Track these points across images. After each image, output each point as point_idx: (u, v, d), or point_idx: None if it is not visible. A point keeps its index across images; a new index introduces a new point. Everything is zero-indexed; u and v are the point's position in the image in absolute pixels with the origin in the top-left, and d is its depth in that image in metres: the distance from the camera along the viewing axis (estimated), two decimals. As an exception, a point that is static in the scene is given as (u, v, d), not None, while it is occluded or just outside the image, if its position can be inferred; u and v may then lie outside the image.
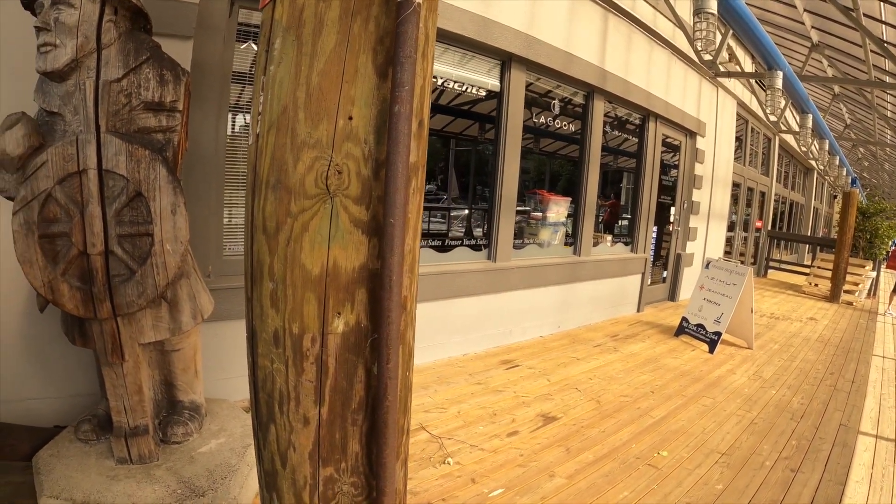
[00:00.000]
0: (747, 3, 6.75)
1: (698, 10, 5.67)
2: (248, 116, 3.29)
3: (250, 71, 3.28)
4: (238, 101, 3.28)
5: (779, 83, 7.79)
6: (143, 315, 2.08)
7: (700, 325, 5.75)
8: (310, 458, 1.21)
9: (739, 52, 9.34)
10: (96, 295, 1.95)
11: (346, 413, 1.20)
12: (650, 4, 6.45)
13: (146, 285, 1.95)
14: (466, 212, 5.51)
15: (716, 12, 5.67)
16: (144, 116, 2.02)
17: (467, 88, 4.68)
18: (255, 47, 3.28)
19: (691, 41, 6.40)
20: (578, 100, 5.90)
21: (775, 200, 14.33)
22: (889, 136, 16.02)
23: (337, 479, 1.23)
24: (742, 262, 8.57)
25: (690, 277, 8.08)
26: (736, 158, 10.15)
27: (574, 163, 6.15)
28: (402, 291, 1.15)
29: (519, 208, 5.29)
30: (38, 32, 1.93)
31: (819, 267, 11.46)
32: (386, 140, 1.12)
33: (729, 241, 11.04)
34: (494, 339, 5.09)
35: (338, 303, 1.15)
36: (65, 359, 2.78)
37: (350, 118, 1.11)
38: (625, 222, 7.41)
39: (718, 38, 6.66)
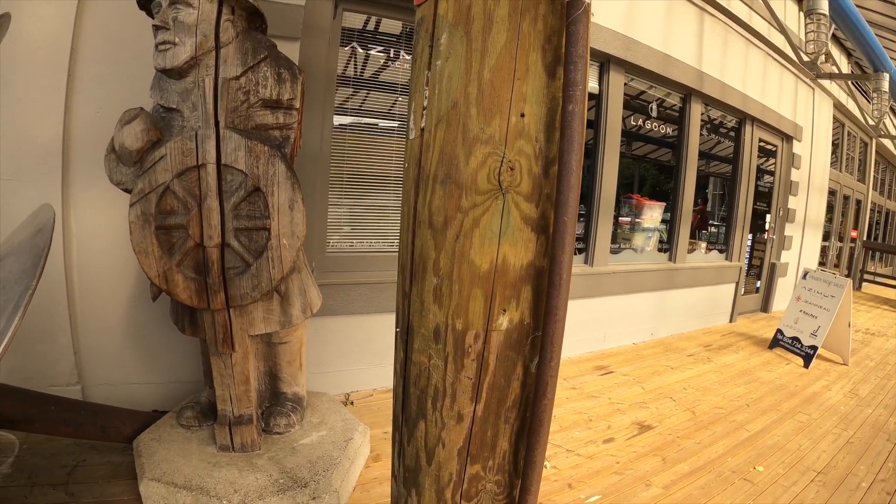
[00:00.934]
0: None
1: (810, 11, 5.45)
2: (347, 119, 3.35)
3: (354, 74, 3.35)
4: (343, 103, 3.33)
5: (885, 86, 7.40)
6: (254, 307, 2.12)
7: (795, 339, 5.55)
8: (458, 456, 1.20)
9: (835, 52, 8.90)
10: (210, 286, 2.00)
11: (500, 410, 1.19)
12: (745, 3, 6.25)
13: (261, 278, 1.99)
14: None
15: (827, 13, 5.45)
16: (262, 114, 2.06)
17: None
18: (359, 50, 3.34)
19: (793, 42, 6.13)
20: (671, 101, 5.77)
21: (871, 209, 13.54)
22: None
23: (482, 476, 1.23)
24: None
25: (784, 288, 7.84)
26: (832, 164, 9.69)
27: (663, 167, 5.99)
28: (569, 289, 1.14)
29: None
30: (157, 31, 1.98)
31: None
32: (555, 138, 1.12)
33: (822, 251, 10.56)
34: (589, 344, 5.04)
35: (504, 300, 1.14)
36: (167, 346, 2.89)
37: (522, 115, 1.10)
38: (713, 229, 7.18)
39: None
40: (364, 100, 3.42)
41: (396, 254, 3.40)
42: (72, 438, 2.46)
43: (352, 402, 3.14)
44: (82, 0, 2.74)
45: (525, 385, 1.20)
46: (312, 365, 2.53)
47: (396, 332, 1.34)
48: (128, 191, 2.03)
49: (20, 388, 2.22)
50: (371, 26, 3.39)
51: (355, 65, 3.37)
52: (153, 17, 2.01)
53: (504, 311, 1.15)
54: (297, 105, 2.09)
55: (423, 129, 1.19)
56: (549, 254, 1.16)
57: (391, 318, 3.20)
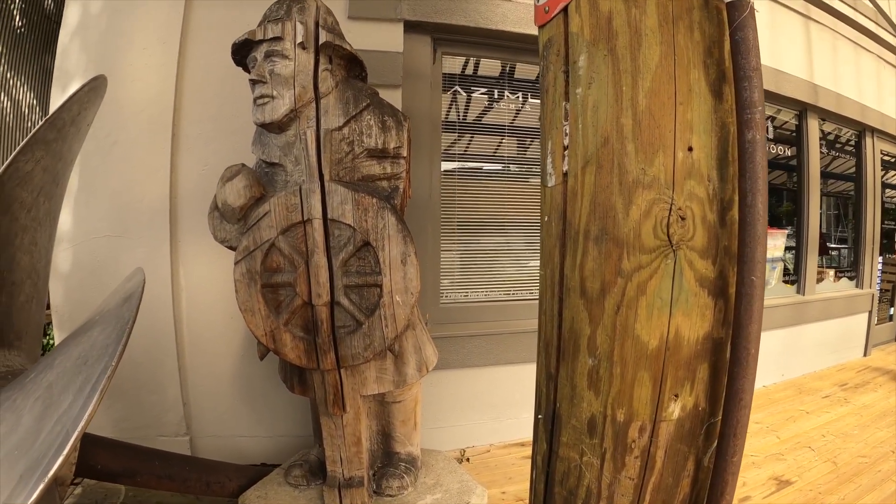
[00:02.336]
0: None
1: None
2: (453, 164, 3.30)
3: (457, 118, 3.30)
4: (448, 148, 3.29)
5: None
6: (367, 367, 2.03)
7: (940, 371, 4.94)
8: (615, 563, 1.03)
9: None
10: (320, 346, 1.92)
11: (667, 514, 1.00)
12: (849, 5, 5.81)
13: (373, 338, 1.89)
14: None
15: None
16: (368, 164, 1.98)
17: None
18: (462, 93, 3.29)
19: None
20: (782, 118, 5.39)
21: None
22: None
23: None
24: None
25: (922, 314, 7.04)
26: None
27: (774, 190, 5.56)
28: (756, 366, 0.95)
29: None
30: (254, 85, 1.95)
31: None
32: (729, 175, 0.93)
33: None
34: (716, 390, 4.68)
35: (676, 382, 0.95)
36: (276, 399, 2.89)
37: (690, 149, 0.91)
38: (833, 252, 6.61)
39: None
40: (469, 144, 3.35)
41: (512, 303, 3.23)
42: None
43: (467, 459, 2.99)
44: (182, 60, 2.82)
45: (696, 481, 1.01)
46: (427, 420, 2.43)
47: (538, 420, 1.17)
48: (232, 248, 2.00)
49: (124, 443, 2.23)
50: (469, 70, 3.35)
51: (456, 109, 3.32)
52: (249, 73, 1.98)
53: (676, 396, 0.96)
54: (405, 153, 2.00)
55: (565, 174, 1.01)
56: (728, 322, 0.97)
57: (509, 371, 3.14)
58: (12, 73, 6.58)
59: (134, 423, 2.87)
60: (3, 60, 6.48)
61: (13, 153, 1.62)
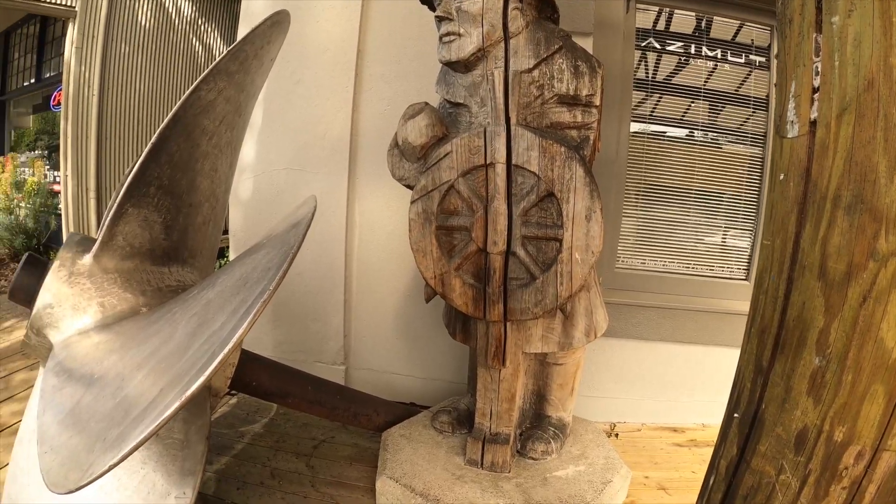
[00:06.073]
0: None
1: None
2: (640, 125, 3.07)
3: (646, 75, 3.08)
4: (636, 107, 3.08)
5: None
6: (534, 324, 1.95)
7: None
8: None
9: None
10: (489, 296, 1.86)
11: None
12: None
13: (546, 294, 1.80)
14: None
15: None
16: (558, 111, 1.85)
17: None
18: (656, 45, 3.05)
19: None
20: None
21: None
22: None
23: None
24: None
25: None
26: None
27: None
28: None
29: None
30: (440, 23, 1.87)
31: None
32: None
33: None
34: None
35: None
36: (434, 343, 2.93)
37: None
38: None
39: None
40: (656, 105, 3.09)
41: (691, 277, 2.92)
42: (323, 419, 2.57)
43: (616, 435, 2.86)
44: (366, 1, 2.83)
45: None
46: (581, 387, 2.32)
47: (732, 418, 0.99)
48: (410, 187, 1.99)
49: (281, 364, 2.34)
50: (661, 25, 3.06)
51: (645, 66, 3.06)
52: (434, 10, 1.91)
53: (908, 423, 0.74)
54: (597, 102, 1.84)
55: (812, 123, 0.81)
56: None
57: (677, 350, 2.89)
58: (203, 18, 7.18)
59: (295, 346, 3.06)
60: (193, 6, 7.06)
61: (195, 81, 1.69)
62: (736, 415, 0.99)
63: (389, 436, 2.34)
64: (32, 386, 2.92)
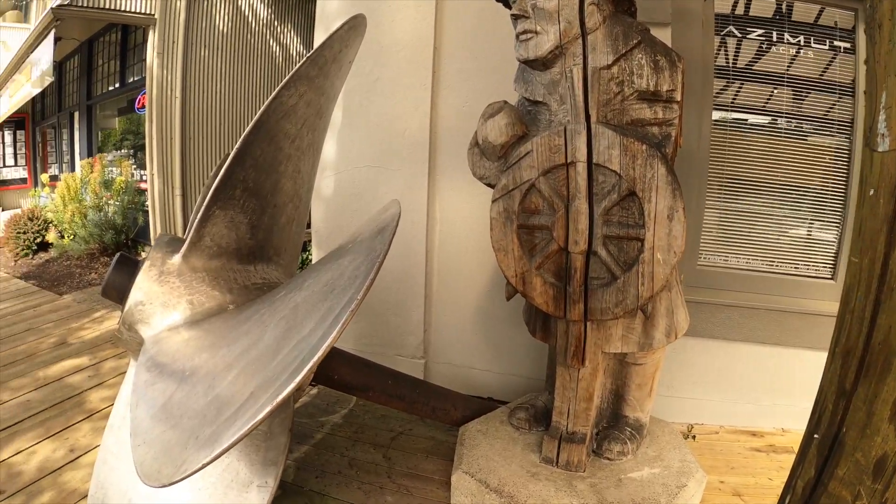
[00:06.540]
0: None
1: None
2: (722, 114, 2.98)
3: (727, 63, 2.98)
4: (719, 96, 2.99)
5: None
6: (614, 324, 1.94)
7: None
8: None
9: None
10: (570, 295, 1.87)
11: None
12: None
13: (627, 294, 1.78)
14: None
15: None
16: (638, 107, 1.82)
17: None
18: (736, 33, 2.94)
19: None
20: None
21: None
22: None
23: None
24: None
25: None
26: None
27: None
28: None
29: None
30: (516, 21, 1.87)
31: None
32: None
33: None
34: None
35: None
36: (513, 338, 2.95)
37: None
38: None
39: None
40: (737, 92, 2.98)
41: (776, 276, 2.82)
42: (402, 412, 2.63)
43: (693, 437, 2.80)
44: (440, 0, 2.86)
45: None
46: (659, 387, 2.29)
47: (813, 439, 0.96)
48: (490, 185, 2.00)
49: (362, 359, 2.39)
50: (740, 10, 2.94)
51: (725, 53, 2.95)
52: (510, 8, 1.91)
53: None
54: (678, 97, 1.80)
55: None
56: None
57: (759, 351, 2.81)
58: (278, 19, 7.40)
59: (376, 339, 3.15)
60: (269, 8, 7.28)
61: (277, 88, 1.75)
62: (816, 436, 0.97)
63: (466, 430, 2.37)
64: (121, 374, 3.14)
